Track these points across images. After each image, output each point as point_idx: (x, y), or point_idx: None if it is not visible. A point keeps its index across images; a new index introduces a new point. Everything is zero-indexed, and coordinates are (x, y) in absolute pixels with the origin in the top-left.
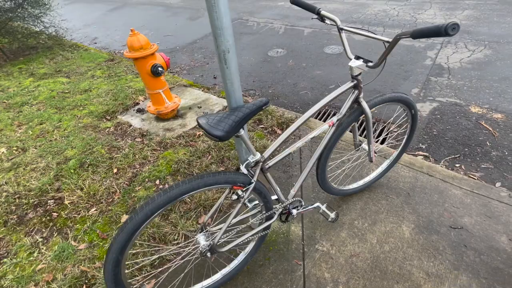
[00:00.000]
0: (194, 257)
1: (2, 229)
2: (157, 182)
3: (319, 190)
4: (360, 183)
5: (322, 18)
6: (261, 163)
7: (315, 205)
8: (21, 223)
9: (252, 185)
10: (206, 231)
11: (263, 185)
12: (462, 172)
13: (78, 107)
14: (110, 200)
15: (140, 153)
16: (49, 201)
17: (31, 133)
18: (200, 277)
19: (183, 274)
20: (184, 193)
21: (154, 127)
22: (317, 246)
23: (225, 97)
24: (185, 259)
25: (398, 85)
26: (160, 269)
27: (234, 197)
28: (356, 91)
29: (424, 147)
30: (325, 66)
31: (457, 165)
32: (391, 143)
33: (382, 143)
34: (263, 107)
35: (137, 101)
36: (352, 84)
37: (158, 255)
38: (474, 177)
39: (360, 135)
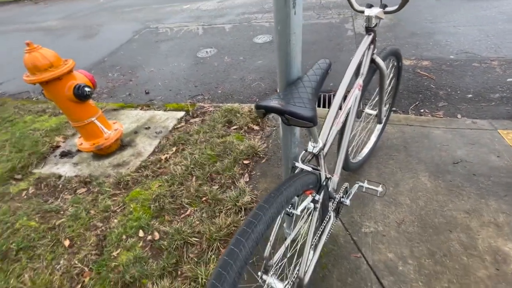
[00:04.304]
0: None
1: None
2: (141, 233)
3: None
4: (366, 151)
5: None
6: (322, 150)
7: (356, 185)
8: None
9: (330, 180)
10: (276, 269)
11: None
12: (429, 115)
13: None
14: (79, 287)
15: (95, 206)
16: None
17: None
18: None
19: None
20: (270, 224)
21: (97, 169)
22: (363, 229)
23: (175, 109)
24: None
25: (337, 57)
26: None
27: (311, 206)
28: (372, 46)
29: None
30: (263, 56)
31: (422, 110)
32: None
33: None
34: (329, 70)
35: (54, 144)
36: (370, 38)
37: None
38: (440, 116)
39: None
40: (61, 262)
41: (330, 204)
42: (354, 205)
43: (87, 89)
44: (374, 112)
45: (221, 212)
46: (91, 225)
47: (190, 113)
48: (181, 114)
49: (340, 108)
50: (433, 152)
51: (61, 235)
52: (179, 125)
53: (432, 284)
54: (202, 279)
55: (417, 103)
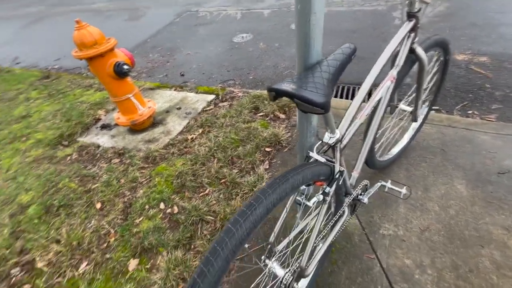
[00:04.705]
0: None
1: None
2: (162, 206)
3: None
4: (396, 150)
5: None
6: (339, 143)
7: (378, 184)
8: None
9: (343, 174)
10: (279, 255)
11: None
12: (478, 118)
13: (19, 139)
14: (105, 245)
15: (125, 176)
16: (12, 271)
17: None
18: None
19: None
20: (270, 209)
21: (131, 142)
22: (381, 231)
23: (206, 92)
24: None
25: (380, 47)
26: None
27: (320, 197)
28: (413, 34)
29: None
30: None
31: (469, 111)
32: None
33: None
34: (352, 56)
35: (97, 116)
36: (411, 24)
37: None
38: (491, 119)
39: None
40: (92, 222)
41: (346, 199)
42: (375, 205)
43: (125, 67)
44: (409, 109)
45: (238, 195)
46: (120, 192)
47: (220, 97)
48: (211, 97)
49: (365, 100)
50: (475, 158)
51: (94, 198)
52: (208, 108)
53: None
54: None
55: (465, 103)
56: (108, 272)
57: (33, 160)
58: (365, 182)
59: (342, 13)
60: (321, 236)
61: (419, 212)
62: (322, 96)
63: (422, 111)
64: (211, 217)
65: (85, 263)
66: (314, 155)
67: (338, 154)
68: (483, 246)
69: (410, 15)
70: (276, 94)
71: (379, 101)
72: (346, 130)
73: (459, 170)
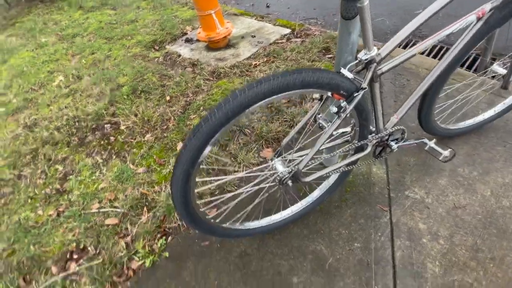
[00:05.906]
0: (267, 186)
1: (66, 149)
2: None
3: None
4: (469, 122)
5: None
6: (375, 64)
7: (420, 140)
8: (82, 144)
9: (362, 92)
10: (284, 157)
11: (370, 99)
12: None
13: (126, 37)
14: (165, 127)
15: (192, 82)
16: (105, 125)
17: (84, 62)
18: (268, 211)
19: (252, 205)
20: (275, 92)
21: (204, 57)
22: (407, 192)
23: (283, 26)
24: (257, 187)
25: None
26: (228, 195)
27: (333, 109)
28: None
29: None
30: None
31: None
32: None
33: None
34: None
35: (184, 31)
36: None
37: (227, 178)
38: None
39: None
40: (160, 108)
41: (371, 137)
42: (414, 169)
43: None
44: (503, 72)
45: (278, 120)
46: (185, 93)
47: (295, 33)
48: (286, 31)
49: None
50: None
51: (166, 92)
52: (280, 41)
53: (451, 272)
54: (240, 158)
55: None
56: (162, 145)
57: (132, 55)
58: (402, 128)
59: None
60: (330, 156)
61: (463, 190)
62: None
63: None
64: (249, 131)
65: (149, 135)
66: (344, 71)
67: (369, 74)
68: None
69: None
70: None
71: (448, 36)
72: (389, 52)
73: None
